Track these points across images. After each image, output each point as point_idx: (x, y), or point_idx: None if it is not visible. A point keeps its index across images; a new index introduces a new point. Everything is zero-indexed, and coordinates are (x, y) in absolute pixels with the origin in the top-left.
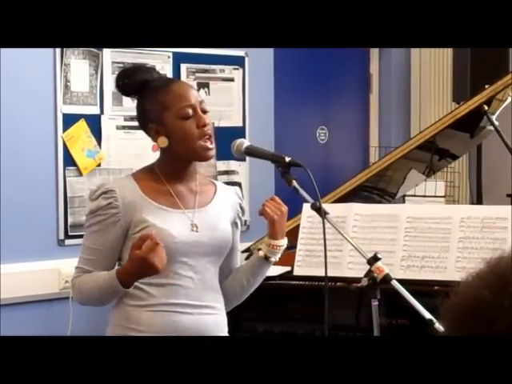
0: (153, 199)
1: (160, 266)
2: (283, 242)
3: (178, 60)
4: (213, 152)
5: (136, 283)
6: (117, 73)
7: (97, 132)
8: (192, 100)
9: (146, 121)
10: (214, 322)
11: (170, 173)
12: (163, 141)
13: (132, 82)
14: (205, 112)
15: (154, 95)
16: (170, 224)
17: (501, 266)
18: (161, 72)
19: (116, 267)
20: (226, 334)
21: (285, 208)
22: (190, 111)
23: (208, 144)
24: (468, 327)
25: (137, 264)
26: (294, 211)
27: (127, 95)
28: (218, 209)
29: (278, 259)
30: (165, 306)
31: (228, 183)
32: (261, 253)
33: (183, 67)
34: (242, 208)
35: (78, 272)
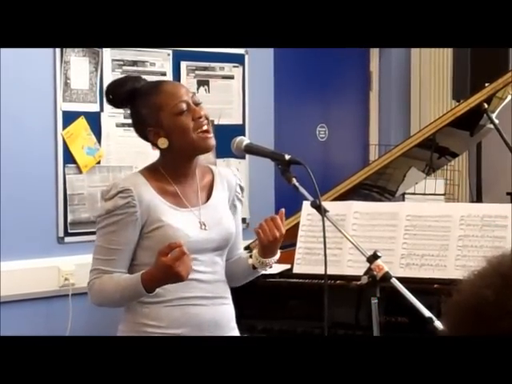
0: (164, 198)
1: (185, 275)
2: (273, 259)
3: (177, 58)
4: (212, 141)
5: None
6: (110, 81)
7: (96, 129)
8: (184, 96)
9: (144, 125)
10: (228, 311)
11: (175, 172)
12: (163, 141)
13: (121, 92)
14: (197, 104)
15: (147, 99)
16: (182, 223)
17: (503, 265)
18: (161, 70)
19: (141, 272)
20: (235, 324)
21: (281, 233)
22: (184, 106)
23: (206, 134)
24: (470, 326)
25: (162, 271)
26: (294, 209)
27: (119, 106)
28: (218, 200)
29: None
30: (182, 300)
31: None
32: (250, 261)
33: (183, 65)
34: (241, 188)
35: (96, 273)
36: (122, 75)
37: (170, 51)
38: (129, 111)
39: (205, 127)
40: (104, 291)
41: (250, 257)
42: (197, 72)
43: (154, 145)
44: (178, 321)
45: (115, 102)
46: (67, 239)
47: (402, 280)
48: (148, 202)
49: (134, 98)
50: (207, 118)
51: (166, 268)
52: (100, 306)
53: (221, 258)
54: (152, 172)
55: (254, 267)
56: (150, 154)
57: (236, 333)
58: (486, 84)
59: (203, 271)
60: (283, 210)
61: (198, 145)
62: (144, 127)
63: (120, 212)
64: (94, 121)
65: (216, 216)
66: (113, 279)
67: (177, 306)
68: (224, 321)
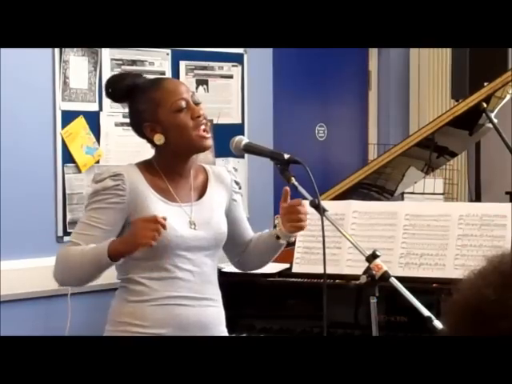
0: (155, 191)
1: (150, 237)
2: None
3: (176, 57)
4: (210, 141)
5: (136, 278)
6: (111, 75)
7: (95, 129)
8: (184, 93)
9: (140, 121)
10: (215, 314)
11: (169, 170)
12: (159, 137)
13: (121, 86)
14: (197, 104)
15: (146, 95)
16: (171, 217)
17: (504, 263)
18: (160, 69)
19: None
20: (224, 327)
21: (304, 211)
22: (183, 103)
23: (204, 133)
24: (470, 325)
25: (131, 231)
26: None
27: (118, 101)
28: (212, 199)
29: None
30: (167, 300)
31: None
32: (279, 240)
33: (182, 64)
34: (237, 183)
35: (68, 245)
36: None
37: (168, 50)
38: (127, 109)
39: (203, 127)
40: (68, 259)
41: (278, 238)
42: (196, 71)
43: (150, 141)
44: (162, 321)
45: (114, 96)
46: (66, 238)
47: (400, 279)
48: (138, 191)
49: (133, 93)
50: (206, 118)
51: (134, 226)
52: (62, 282)
53: (211, 259)
54: (146, 166)
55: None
56: (148, 154)
57: None
58: (485, 83)
59: (190, 270)
60: (287, 188)
61: (195, 144)
62: (140, 122)
63: (107, 192)
64: (93, 120)
65: (207, 215)
66: (79, 247)
67: (161, 306)
68: (211, 324)
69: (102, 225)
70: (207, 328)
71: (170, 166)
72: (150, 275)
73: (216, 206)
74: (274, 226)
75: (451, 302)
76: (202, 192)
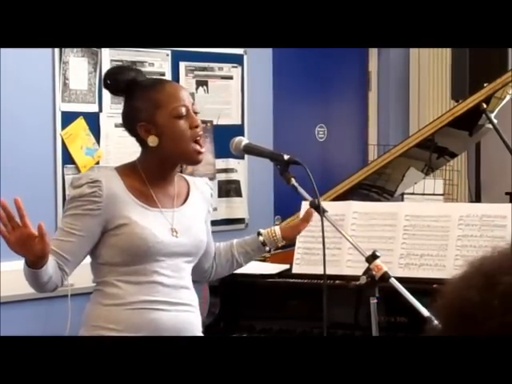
0: (134, 196)
1: (6, 240)
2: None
3: (176, 58)
4: (202, 156)
5: (113, 281)
6: (112, 66)
7: (95, 130)
8: (185, 100)
9: (135, 120)
10: (191, 319)
11: (153, 174)
12: (153, 140)
13: (120, 79)
14: (196, 113)
15: (146, 93)
16: (151, 223)
17: (485, 265)
18: (159, 70)
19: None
20: (201, 333)
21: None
22: (184, 110)
23: (199, 148)
24: (458, 328)
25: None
26: (293, 209)
27: (115, 94)
28: (193, 207)
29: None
30: (143, 304)
31: (227, 181)
32: (265, 247)
33: (182, 65)
34: (211, 196)
35: None
36: None
37: (168, 51)
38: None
39: (199, 140)
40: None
41: (260, 234)
42: (196, 72)
43: (141, 141)
44: (136, 325)
45: (112, 88)
46: None
47: (400, 280)
48: (116, 197)
49: (132, 88)
50: (202, 130)
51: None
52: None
53: (188, 265)
54: (128, 169)
55: (264, 243)
56: None
57: None
58: (485, 84)
59: (168, 275)
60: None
61: (187, 156)
62: (135, 121)
63: (84, 199)
64: (92, 121)
65: (188, 222)
66: None
67: (137, 310)
68: (186, 330)
69: (77, 231)
70: (182, 334)
71: (156, 170)
72: (127, 279)
73: (197, 215)
74: (258, 234)
75: (436, 307)
76: (183, 199)
